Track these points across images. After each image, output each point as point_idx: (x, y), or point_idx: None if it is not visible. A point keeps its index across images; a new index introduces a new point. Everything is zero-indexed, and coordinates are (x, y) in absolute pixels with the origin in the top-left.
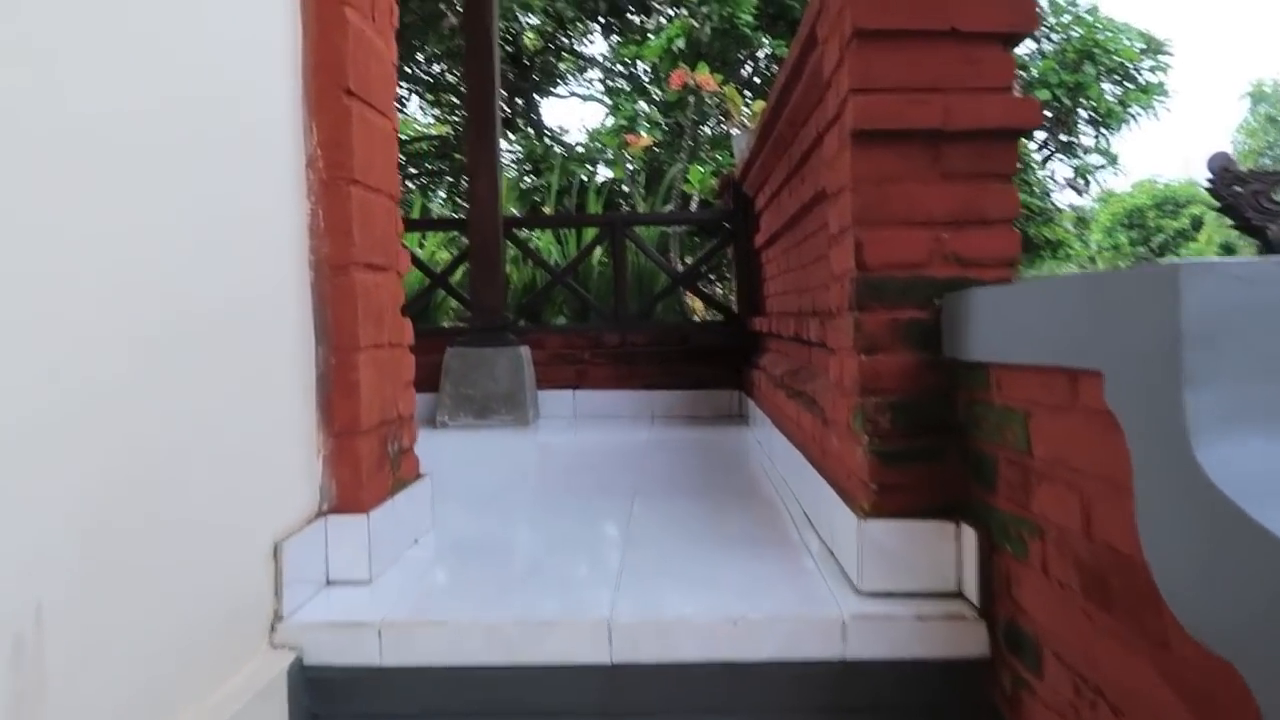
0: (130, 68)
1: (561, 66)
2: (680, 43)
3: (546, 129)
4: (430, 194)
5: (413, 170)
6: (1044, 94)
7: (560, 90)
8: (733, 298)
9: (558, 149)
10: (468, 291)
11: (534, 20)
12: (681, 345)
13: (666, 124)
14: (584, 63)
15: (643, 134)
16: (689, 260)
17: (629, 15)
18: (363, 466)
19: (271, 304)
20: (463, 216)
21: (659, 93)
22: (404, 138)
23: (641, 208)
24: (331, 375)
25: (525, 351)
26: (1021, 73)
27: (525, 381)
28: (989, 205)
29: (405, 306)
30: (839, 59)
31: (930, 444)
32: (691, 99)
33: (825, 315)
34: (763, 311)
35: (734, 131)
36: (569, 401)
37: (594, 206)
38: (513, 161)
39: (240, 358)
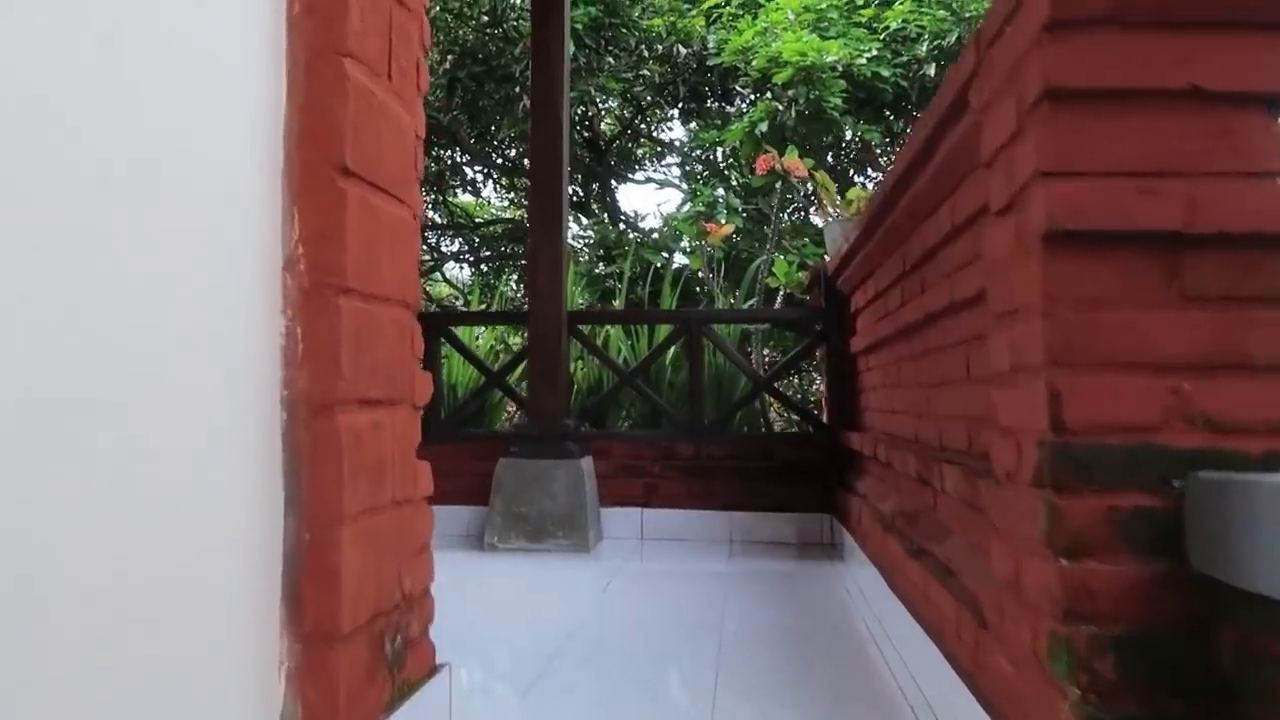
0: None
1: (639, 151)
2: (764, 126)
3: (622, 213)
4: (504, 277)
5: (487, 253)
6: None
7: (637, 176)
8: (822, 404)
9: (632, 234)
10: (526, 392)
11: (613, 104)
12: (765, 460)
13: (746, 210)
14: (662, 148)
15: (722, 221)
16: (772, 361)
17: (709, 102)
18: (341, 683)
19: (220, 461)
20: (524, 308)
21: (739, 178)
22: (479, 220)
23: (720, 302)
24: (303, 556)
25: (587, 465)
26: None
27: (586, 500)
28: (1255, 343)
29: (462, 406)
30: (1015, 129)
31: (1184, 713)
32: (778, 185)
33: (976, 473)
34: (860, 426)
35: (825, 221)
36: (636, 521)
37: (668, 298)
38: (584, 246)
39: (166, 539)
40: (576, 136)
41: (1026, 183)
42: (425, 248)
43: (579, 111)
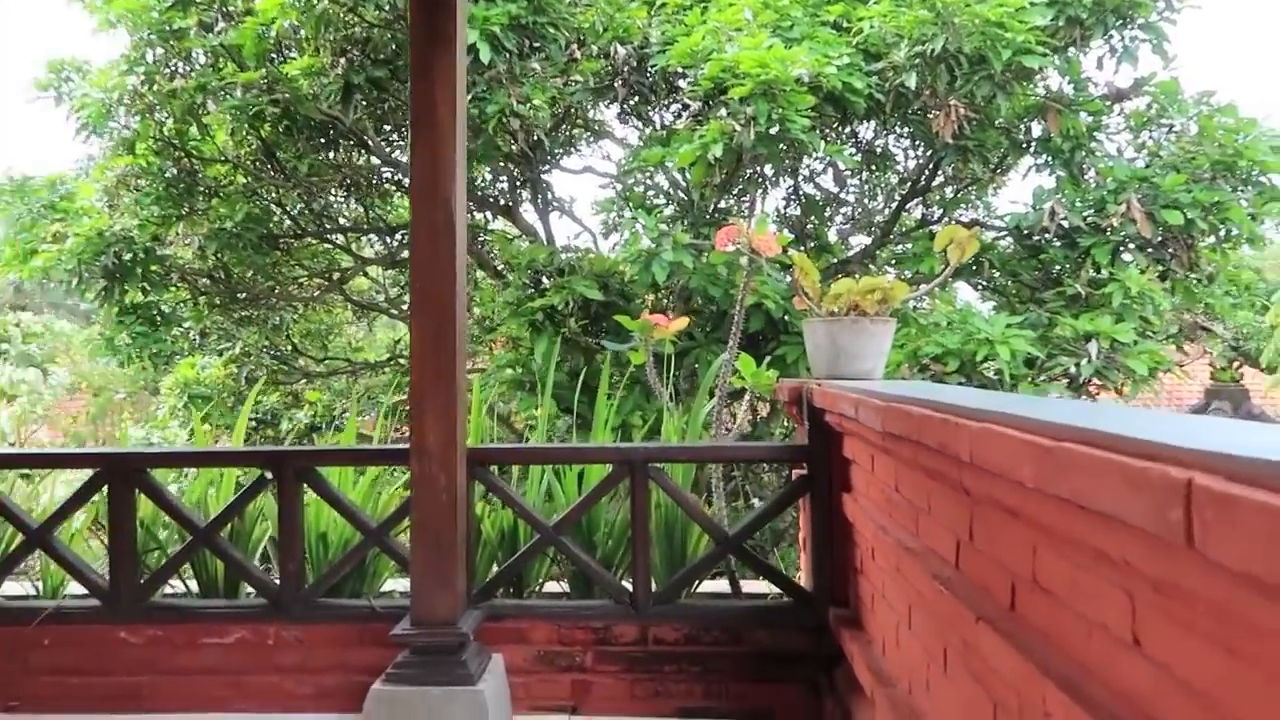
0: None
1: (573, 132)
2: (717, 150)
3: (555, 205)
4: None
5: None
6: (1174, 217)
7: (571, 163)
8: (803, 566)
9: (565, 256)
10: (410, 574)
11: (541, 114)
12: (731, 644)
13: (693, 246)
14: (597, 127)
15: (667, 261)
16: (738, 504)
17: (651, 109)
18: None
19: None
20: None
21: (683, 199)
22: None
23: (670, 419)
24: None
25: (494, 682)
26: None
27: None
28: None
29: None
30: None
31: None
32: (745, 262)
33: None
34: (853, 604)
35: (806, 318)
36: None
37: (603, 433)
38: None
39: None
40: (501, 146)
41: None
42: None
43: (500, 122)
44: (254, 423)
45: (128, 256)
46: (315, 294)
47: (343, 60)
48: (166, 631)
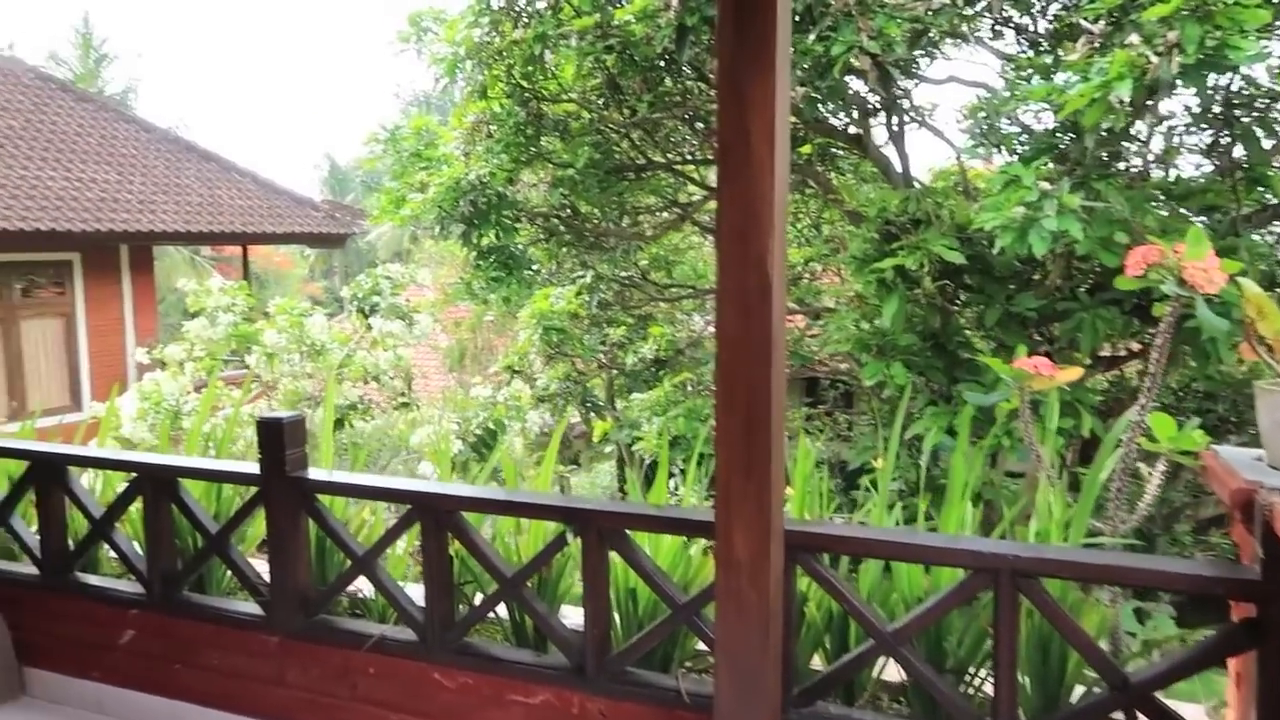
0: None
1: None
2: (1123, 89)
3: (914, 117)
4: None
5: None
6: None
7: (932, 70)
8: None
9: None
10: (715, 683)
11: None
12: None
13: (1088, 207)
14: (965, 34)
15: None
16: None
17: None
18: None
19: None
20: None
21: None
22: None
23: (1050, 492)
24: None
25: None
26: None
27: None
28: None
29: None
30: None
31: None
32: (1169, 291)
33: None
34: None
35: (1261, 385)
36: None
37: (959, 505)
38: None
39: None
40: (846, 89)
41: None
42: None
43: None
44: (600, 355)
45: (482, 202)
46: (661, 224)
47: (675, 2)
48: (476, 681)
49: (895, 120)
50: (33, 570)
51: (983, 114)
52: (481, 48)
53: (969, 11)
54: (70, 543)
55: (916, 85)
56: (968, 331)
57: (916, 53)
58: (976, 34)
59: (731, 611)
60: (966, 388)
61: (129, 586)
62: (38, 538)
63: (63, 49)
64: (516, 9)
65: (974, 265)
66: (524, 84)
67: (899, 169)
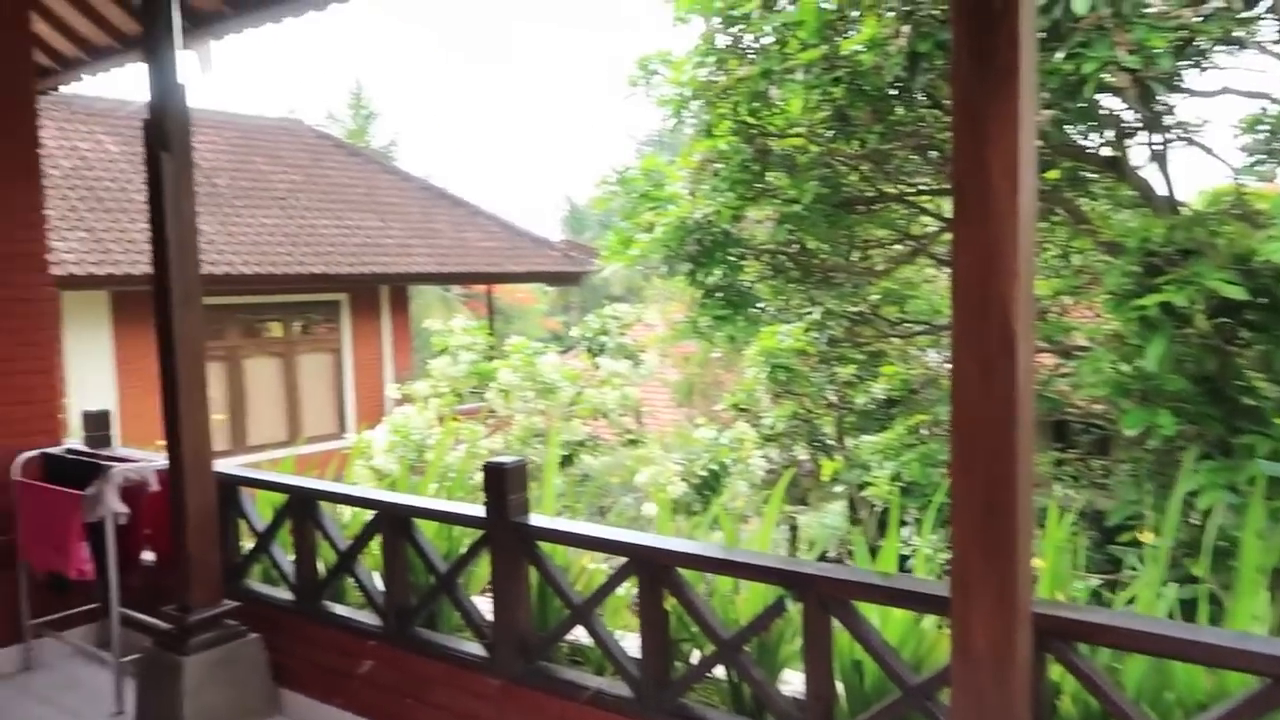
0: None
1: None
2: None
3: (1180, 134)
4: None
5: None
6: None
7: (1202, 82)
8: None
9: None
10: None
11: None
12: None
13: None
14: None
15: None
16: None
17: None
18: None
19: None
20: None
21: None
22: None
23: None
24: None
25: None
26: None
27: None
28: None
29: None
30: None
31: None
32: None
33: None
34: None
35: None
36: None
37: (1251, 593)
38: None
39: None
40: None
41: None
42: None
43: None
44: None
45: (708, 240)
46: (893, 258)
47: (905, 28)
48: None
49: (1157, 139)
50: (289, 595)
51: (1264, 127)
52: (707, 87)
53: (1247, 15)
54: (321, 570)
55: (1183, 99)
56: (1250, 374)
57: (1181, 64)
58: (1255, 39)
59: (970, 707)
60: (1253, 441)
61: (368, 618)
62: (294, 566)
63: (338, 109)
64: (741, 46)
65: (1258, 300)
66: (749, 120)
67: (1162, 193)
